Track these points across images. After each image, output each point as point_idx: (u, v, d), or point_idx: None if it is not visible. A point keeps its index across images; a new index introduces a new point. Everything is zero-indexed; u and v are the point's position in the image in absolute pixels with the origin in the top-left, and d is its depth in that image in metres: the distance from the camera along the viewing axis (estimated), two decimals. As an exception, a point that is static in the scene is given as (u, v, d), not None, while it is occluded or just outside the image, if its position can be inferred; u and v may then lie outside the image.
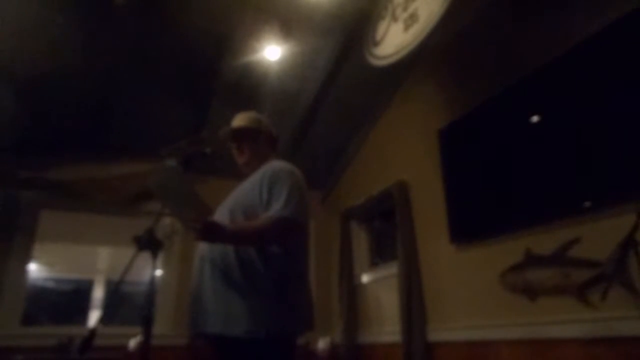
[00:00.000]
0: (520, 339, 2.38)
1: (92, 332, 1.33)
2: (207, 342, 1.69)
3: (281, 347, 1.55)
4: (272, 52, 3.29)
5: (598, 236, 2.06)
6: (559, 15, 2.40)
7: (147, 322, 1.43)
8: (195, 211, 1.49)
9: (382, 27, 2.97)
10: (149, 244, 1.50)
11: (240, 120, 1.92)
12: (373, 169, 4.00)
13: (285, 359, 1.57)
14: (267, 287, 1.55)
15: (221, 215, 1.72)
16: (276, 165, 1.78)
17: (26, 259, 3.63)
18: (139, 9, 2.89)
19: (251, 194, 1.70)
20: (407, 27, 2.66)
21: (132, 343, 3.33)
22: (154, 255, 1.51)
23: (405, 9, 2.73)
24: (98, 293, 5.77)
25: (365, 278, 3.95)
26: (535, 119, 2.49)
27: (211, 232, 1.50)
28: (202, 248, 1.71)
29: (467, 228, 2.85)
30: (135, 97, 3.48)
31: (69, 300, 6.11)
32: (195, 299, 1.65)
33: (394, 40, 2.78)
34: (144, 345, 1.43)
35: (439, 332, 2.95)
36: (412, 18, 2.62)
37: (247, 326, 1.49)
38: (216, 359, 1.63)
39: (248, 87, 3.52)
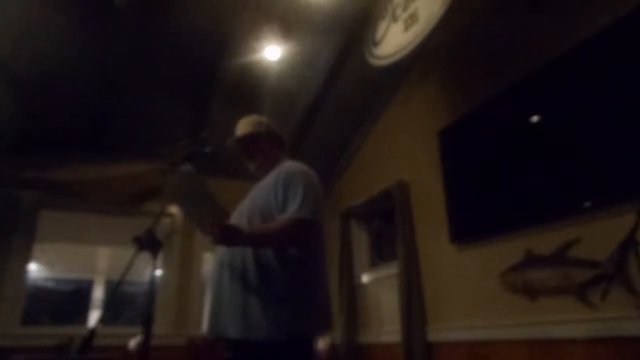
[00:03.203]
0: (520, 339, 2.38)
1: (92, 332, 1.33)
2: (228, 346, 1.69)
3: (301, 348, 1.57)
4: (272, 52, 3.29)
5: (598, 236, 2.06)
6: (559, 15, 2.40)
7: (147, 322, 1.43)
8: (213, 215, 1.49)
9: (382, 27, 2.97)
10: (149, 244, 1.50)
11: (242, 127, 1.91)
12: (373, 169, 4.00)
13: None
14: (286, 290, 1.56)
15: (238, 218, 1.73)
16: (289, 166, 1.77)
17: (26, 259, 3.63)
18: (139, 10, 2.90)
19: (267, 196, 1.70)
20: (407, 27, 2.66)
21: (132, 343, 3.33)
22: (154, 255, 1.51)
23: (405, 9, 2.73)
24: (98, 293, 5.78)
25: (365, 278, 3.95)
26: (535, 118, 2.49)
27: (229, 235, 1.50)
28: (222, 253, 1.70)
29: (467, 228, 2.85)
30: (135, 97, 3.48)
31: (69, 300, 6.12)
32: (215, 304, 1.65)
33: (393, 40, 2.79)
34: (144, 345, 1.43)
35: (439, 332, 2.95)
36: (412, 18, 2.62)
37: (267, 330, 1.50)
38: None
39: (248, 87, 3.52)
